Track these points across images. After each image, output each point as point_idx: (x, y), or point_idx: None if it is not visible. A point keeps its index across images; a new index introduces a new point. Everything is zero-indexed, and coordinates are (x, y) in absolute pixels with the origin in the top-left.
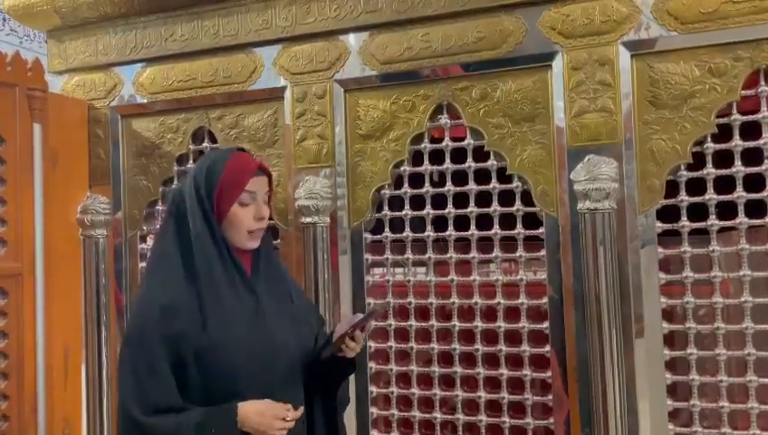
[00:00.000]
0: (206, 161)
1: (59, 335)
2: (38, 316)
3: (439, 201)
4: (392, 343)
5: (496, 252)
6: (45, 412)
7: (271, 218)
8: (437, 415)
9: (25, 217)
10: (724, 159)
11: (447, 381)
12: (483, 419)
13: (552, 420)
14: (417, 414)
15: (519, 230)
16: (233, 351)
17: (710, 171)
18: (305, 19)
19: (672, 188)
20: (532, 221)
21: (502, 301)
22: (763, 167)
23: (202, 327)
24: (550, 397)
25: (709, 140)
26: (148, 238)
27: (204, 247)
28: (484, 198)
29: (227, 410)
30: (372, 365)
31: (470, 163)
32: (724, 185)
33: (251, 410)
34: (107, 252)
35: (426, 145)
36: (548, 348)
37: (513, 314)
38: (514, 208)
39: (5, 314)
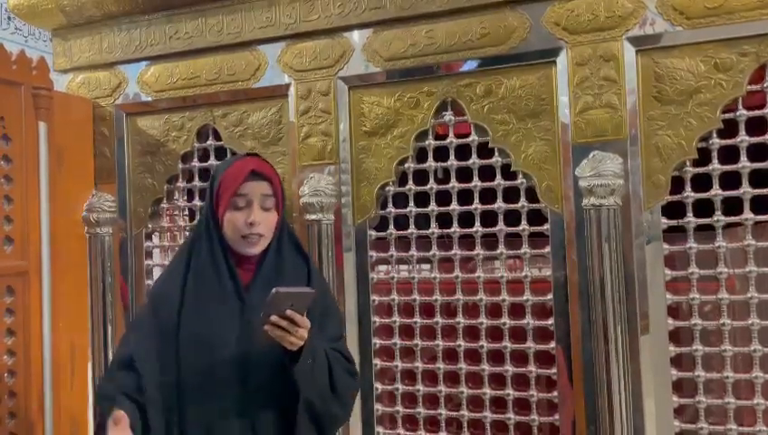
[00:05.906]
0: (217, 167)
1: (65, 333)
2: (44, 314)
3: (444, 198)
4: (397, 339)
5: (501, 249)
6: (52, 410)
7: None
8: (442, 412)
9: (31, 216)
10: (729, 154)
11: (452, 378)
12: (488, 415)
13: (557, 417)
14: (422, 411)
15: (524, 227)
16: (197, 346)
17: (716, 167)
18: (309, 16)
19: (677, 184)
20: (536, 218)
21: (507, 298)
22: None
23: (177, 315)
24: (555, 394)
25: (715, 135)
26: (153, 236)
27: (202, 248)
28: (488, 195)
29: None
30: (377, 362)
31: (474, 160)
32: (730, 181)
33: None
34: (113, 250)
35: (430, 142)
36: (553, 345)
37: (518, 310)
38: (519, 205)
39: (12, 312)
